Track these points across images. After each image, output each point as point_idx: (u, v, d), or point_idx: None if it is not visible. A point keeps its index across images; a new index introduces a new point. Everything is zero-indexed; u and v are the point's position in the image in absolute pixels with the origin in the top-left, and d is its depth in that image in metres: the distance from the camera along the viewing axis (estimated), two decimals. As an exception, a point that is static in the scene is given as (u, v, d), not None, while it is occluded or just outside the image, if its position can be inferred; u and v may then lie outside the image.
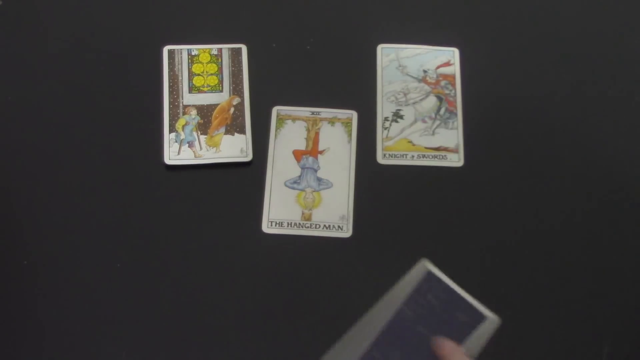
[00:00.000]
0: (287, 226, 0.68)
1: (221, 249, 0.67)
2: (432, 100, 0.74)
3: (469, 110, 0.74)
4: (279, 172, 0.70)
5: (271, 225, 0.68)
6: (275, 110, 0.73)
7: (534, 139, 0.73)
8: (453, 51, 0.76)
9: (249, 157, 0.71)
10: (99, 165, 0.70)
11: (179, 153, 0.70)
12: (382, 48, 0.76)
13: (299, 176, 0.70)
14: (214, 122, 0.72)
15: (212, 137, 0.71)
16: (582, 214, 0.70)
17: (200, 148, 0.71)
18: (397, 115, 0.73)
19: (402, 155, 0.71)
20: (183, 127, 0.71)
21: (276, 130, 0.72)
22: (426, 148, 0.72)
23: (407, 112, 0.73)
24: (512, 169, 0.71)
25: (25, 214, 0.69)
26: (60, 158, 0.71)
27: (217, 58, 0.75)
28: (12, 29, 0.76)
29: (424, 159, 0.71)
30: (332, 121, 0.73)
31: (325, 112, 0.73)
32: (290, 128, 0.72)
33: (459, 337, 0.51)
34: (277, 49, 0.76)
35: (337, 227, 0.68)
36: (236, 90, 0.73)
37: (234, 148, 0.71)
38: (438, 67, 0.75)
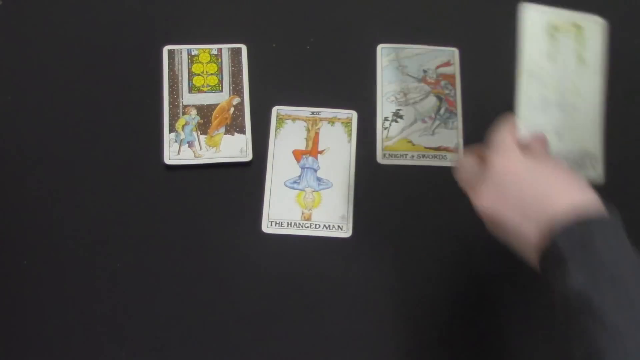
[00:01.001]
0: (287, 226, 0.68)
1: (221, 249, 0.67)
2: (432, 100, 0.74)
3: (469, 110, 0.74)
4: (278, 172, 0.70)
5: (271, 225, 0.68)
6: (275, 110, 0.73)
7: (534, 139, 0.73)
8: (453, 51, 0.76)
9: (248, 157, 0.71)
10: (99, 165, 0.70)
11: (178, 153, 0.70)
12: (382, 48, 0.76)
13: (299, 176, 0.70)
14: (214, 122, 0.72)
15: (212, 137, 0.71)
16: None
17: (200, 148, 0.71)
18: (397, 115, 0.73)
19: (402, 155, 0.71)
20: (183, 127, 0.71)
21: (276, 130, 0.72)
22: (426, 148, 0.72)
23: (407, 112, 0.73)
24: (512, 169, 0.71)
25: (25, 214, 0.69)
26: (60, 158, 0.71)
27: (217, 58, 0.75)
28: (12, 29, 0.76)
29: (424, 158, 0.71)
30: (332, 121, 0.73)
31: (325, 112, 0.73)
32: (290, 128, 0.72)
33: None
34: (277, 49, 0.76)
35: (337, 227, 0.68)
36: (236, 90, 0.73)
37: (233, 148, 0.71)
38: (438, 67, 0.75)
